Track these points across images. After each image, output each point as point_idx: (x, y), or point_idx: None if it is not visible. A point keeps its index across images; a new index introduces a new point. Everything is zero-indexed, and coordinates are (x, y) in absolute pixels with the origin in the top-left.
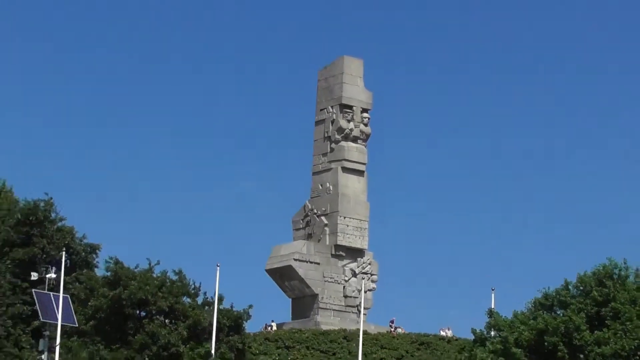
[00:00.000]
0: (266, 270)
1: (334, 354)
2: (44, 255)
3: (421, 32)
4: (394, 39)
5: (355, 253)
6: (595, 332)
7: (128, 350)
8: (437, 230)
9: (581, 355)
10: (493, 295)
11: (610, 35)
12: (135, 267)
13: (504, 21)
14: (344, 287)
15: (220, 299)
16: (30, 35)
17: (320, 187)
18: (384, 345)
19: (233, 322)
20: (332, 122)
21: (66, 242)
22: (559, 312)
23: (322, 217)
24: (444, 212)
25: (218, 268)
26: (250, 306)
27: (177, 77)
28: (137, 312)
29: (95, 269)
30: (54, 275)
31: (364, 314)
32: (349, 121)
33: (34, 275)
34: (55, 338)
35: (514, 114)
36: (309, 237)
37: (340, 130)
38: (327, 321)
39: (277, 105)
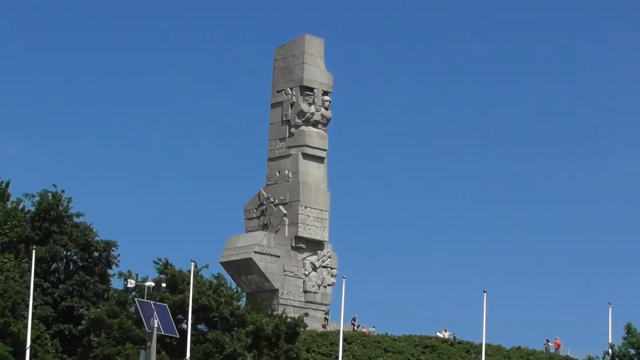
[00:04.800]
0: (221, 263)
1: (336, 357)
2: (67, 253)
3: (385, 10)
4: (354, 17)
5: (315, 245)
6: None
7: None
8: (393, 219)
9: None
10: (610, 309)
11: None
12: (188, 271)
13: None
14: (304, 281)
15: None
16: None
17: (278, 174)
18: (388, 348)
19: (290, 329)
20: (292, 104)
21: (88, 239)
22: None
23: (281, 207)
24: (400, 201)
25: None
26: (306, 314)
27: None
28: (195, 318)
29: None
30: (153, 284)
31: (325, 312)
32: (310, 104)
33: (131, 283)
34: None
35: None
36: (264, 227)
37: (301, 114)
38: None
39: (225, 84)
